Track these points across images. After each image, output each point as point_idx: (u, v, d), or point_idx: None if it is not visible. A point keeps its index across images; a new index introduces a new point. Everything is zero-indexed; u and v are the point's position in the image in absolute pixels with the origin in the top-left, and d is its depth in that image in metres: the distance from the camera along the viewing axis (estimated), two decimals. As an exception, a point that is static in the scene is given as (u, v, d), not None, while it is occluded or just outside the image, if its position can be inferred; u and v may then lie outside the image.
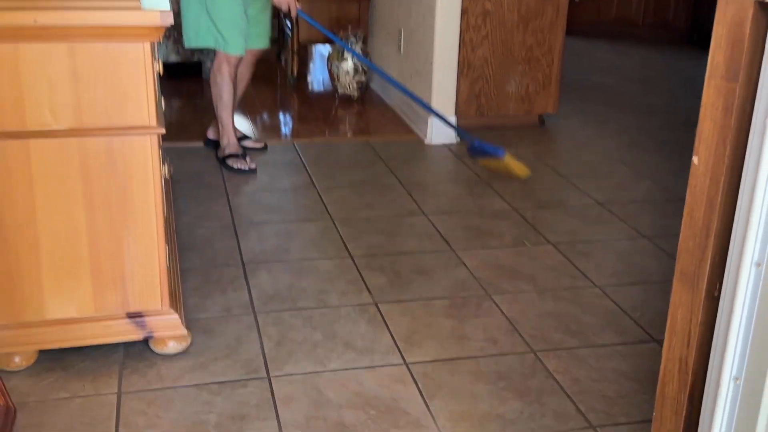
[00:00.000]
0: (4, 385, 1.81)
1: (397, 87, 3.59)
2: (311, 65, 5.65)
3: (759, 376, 0.96)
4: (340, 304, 2.37)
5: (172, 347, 2.07)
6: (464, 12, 3.82)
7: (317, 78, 5.34)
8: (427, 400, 1.94)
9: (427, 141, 3.89)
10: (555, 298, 2.45)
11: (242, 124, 4.02)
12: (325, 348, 2.14)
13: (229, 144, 3.47)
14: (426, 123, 3.87)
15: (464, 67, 3.93)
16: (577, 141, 4.05)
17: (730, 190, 1.00)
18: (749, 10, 0.94)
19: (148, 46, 1.83)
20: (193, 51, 4.84)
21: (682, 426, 1.11)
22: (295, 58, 4.91)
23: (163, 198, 1.97)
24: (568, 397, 1.96)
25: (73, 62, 1.79)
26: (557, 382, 2.02)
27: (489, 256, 2.72)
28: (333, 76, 4.61)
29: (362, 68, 4.50)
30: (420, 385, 1.99)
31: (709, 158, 1.02)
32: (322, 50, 5.75)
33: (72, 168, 1.86)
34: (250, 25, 3.36)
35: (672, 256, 2.26)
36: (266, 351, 2.12)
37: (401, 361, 2.10)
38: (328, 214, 3.03)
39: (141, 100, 1.85)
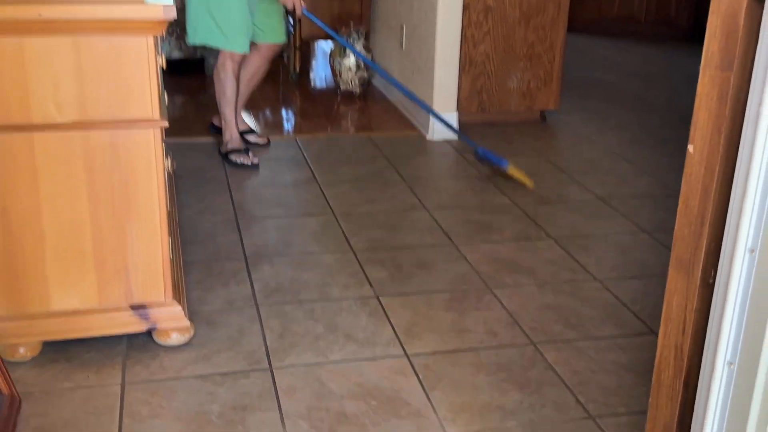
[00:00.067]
0: (9, 375, 1.84)
1: (398, 87, 3.60)
2: (313, 61, 5.67)
3: (752, 361, 0.98)
4: (341, 297, 2.39)
5: (175, 339, 2.09)
6: (466, 8, 3.83)
7: (319, 74, 5.36)
8: (427, 391, 1.95)
9: (428, 137, 3.91)
10: (555, 292, 2.46)
11: (247, 119, 4.03)
12: (326, 340, 2.16)
13: (232, 139, 3.49)
14: (428, 119, 3.89)
15: (466, 63, 3.94)
16: (579, 137, 4.07)
17: (725, 178, 1.02)
18: (743, 0, 0.96)
19: (151, 40, 1.85)
20: (195, 47, 4.86)
21: (677, 412, 1.13)
22: (298, 54, 4.93)
23: (166, 191, 1.99)
24: (568, 388, 1.98)
25: (78, 56, 1.81)
26: (557, 374, 2.04)
27: (490, 250, 2.73)
28: (335, 72, 4.63)
29: (364, 64, 4.52)
30: (421, 377, 2.01)
31: (704, 147, 1.03)
32: (324, 47, 5.77)
33: (76, 161, 1.88)
34: (263, 19, 3.36)
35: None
36: (268, 343, 2.14)
37: (402, 352, 2.12)
38: (330, 208, 3.05)
39: (144, 93, 1.87)
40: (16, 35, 1.77)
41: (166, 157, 2.09)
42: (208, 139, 3.76)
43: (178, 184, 3.10)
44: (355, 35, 4.43)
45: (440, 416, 1.86)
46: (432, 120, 3.85)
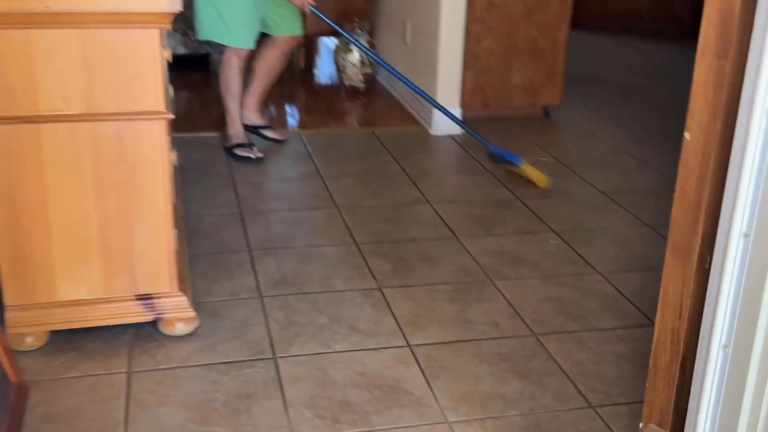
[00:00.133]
0: (17, 362, 1.86)
1: (405, 82, 3.60)
2: (318, 57, 5.68)
3: (746, 344, 1.00)
4: (345, 289, 2.41)
5: (180, 329, 2.11)
6: (469, 4, 3.85)
7: (324, 70, 5.38)
8: (429, 381, 1.97)
9: (432, 132, 3.92)
10: (557, 284, 2.48)
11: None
12: (330, 330, 2.18)
13: (236, 134, 3.51)
14: (431, 114, 3.90)
15: (469, 59, 3.95)
16: (582, 132, 4.08)
17: (721, 164, 1.03)
18: (739, -10, 0.98)
19: (157, 32, 1.87)
20: (200, 43, 4.88)
21: (674, 395, 1.15)
22: (302, 50, 4.95)
23: (171, 182, 2.01)
24: (569, 378, 2.00)
25: (84, 48, 1.83)
26: (558, 364, 2.06)
27: (492, 243, 2.75)
28: (339, 68, 4.65)
29: (369, 60, 4.54)
30: (423, 367, 2.03)
31: (700, 134, 1.05)
32: (328, 43, 5.79)
33: (82, 152, 1.91)
34: (276, 11, 3.36)
35: (672, 242, 2.29)
36: (272, 333, 2.16)
37: (405, 343, 2.14)
38: (334, 202, 3.07)
39: (150, 85, 1.89)
40: (24, 27, 1.79)
41: (172, 150, 2.11)
42: (212, 134, 3.78)
43: (183, 178, 3.12)
44: (359, 31, 4.44)
45: (442, 405, 1.88)
46: (435, 115, 3.87)
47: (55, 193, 1.92)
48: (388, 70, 3.61)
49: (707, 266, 1.07)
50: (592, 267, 2.60)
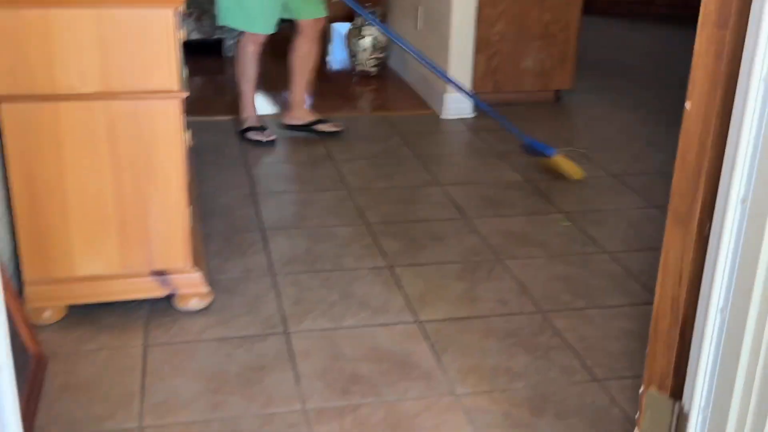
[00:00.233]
0: (36, 334, 1.91)
1: (429, 65, 3.59)
2: (330, 43, 5.71)
3: (743, 307, 1.03)
4: (356, 267, 2.45)
5: (194, 304, 2.16)
6: (481, -12, 3.86)
7: (336, 55, 5.40)
8: (438, 355, 2.01)
9: (442, 116, 3.95)
10: (565, 263, 2.51)
11: (263, 100, 4.09)
12: (341, 307, 2.22)
13: (249, 117, 3.55)
14: (442, 98, 3.93)
15: (481, 43, 3.97)
16: (593, 116, 4.09)
17: (720, 133, 1.06)
18: (739, -39, 1.00)
19: (171, 12, 1.90)
20: (214, 29, 4.91)
21: (673, 360, 1.18)
22: (314, 36, 4.96)
23: (185, 160, 2.05)
24: (575, 353, 2.03)
25: (101, 28, 1.87)
26: (564, 340, 2.09)
27: (501, 224, 2.78)
28: (351, 53, 4.67)
29: (380, 45, 4.56)
30: (432, 341, 2.07)
31: (700, 103, 1.07)
32: (340, 28, 5.81)
33: (99, 130, 1.95)
34: None
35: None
36: (284, 309, 2.20)
37: (414, 319, 2.17)
38: (345, 184, 3.10)
39: (165, 65, 1.93)
40: (41, 7, 1.83)
41: (186, 131, 2.15)
42: (226, 118, 3.82)
43: (197, 161, 3.16)
44: (371, 17, 4.46)
45: (450, 378, 1.92)
46: (446, 100, 3.89)
47: (72, 171, 1.96)
48: (412, 53, 3.59)
49: (706, 233, 1.09)
50: (601, 247, 2.62)
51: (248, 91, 3.52)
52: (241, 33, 3.43)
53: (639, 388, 1.85)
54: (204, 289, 2.16)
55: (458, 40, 3.88)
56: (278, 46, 3.79)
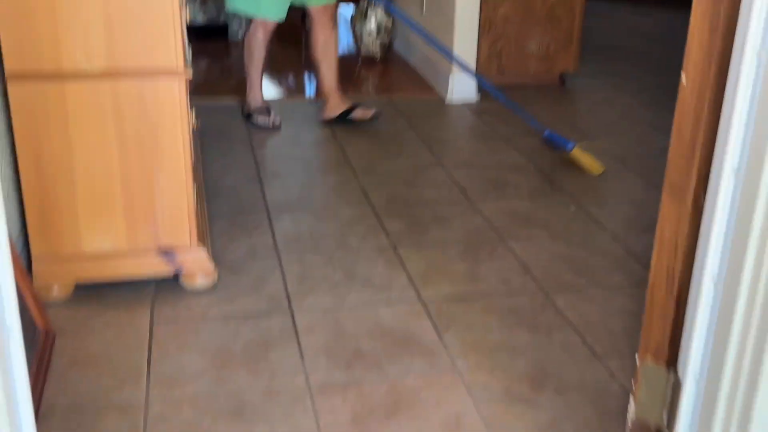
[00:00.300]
0: (44, 310, 1.95)
1: (445, 54, 3.59)
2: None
3: (735, 276, 1.05)
4: (359, 247, 2.48)
5: (200, 282, 2.19)
6: (486, -29, 3.86)
7: (341, 39, 5.41)
8: (440, 332, 2.04)
9: (447, 99, 3.96)
10: (567, 243, 2.53)
11: (269, 85, 4.11)
12: (344, 285, 2.25)
13: (255, 100, 3.57)
14: (447, 82, 3.94)
15: (485, 26, 3.98)
16: (597, 99, 4.10)
17: (715, 105, 1.08)
18: (735, -65, 1.01)
19: (176, -9, 1.92)
20: (219, 13, 4.93)
21: (669, 329, 1.20)
22: (320, 19, 4.97)
23: (191, 139, 2.08)
24: (576, 331, 2.06)
25: (107, 6, 1.89)
26: (565, 318, 2.11)
27: (505, 205, 2.80)
28: (356, 37, 4.68)
29: (385, 29, 4.57)
30: (434, 319, 2.10)
31: (696, 76, 1.09)
32: (345, 12, 5.81)
33: (105, 109, 1.97)
34: None
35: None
36: (289, 287, 2.23)
37: (417, 297, 2.20)
38: (350, 166, 3.12)
39: (170, 43, 1.95)
40: (49, -13, 1.85)
41: (191, 110, 2.18)
42: (231, 101, 3.84)
43: (203, 142, 3.19)
44: (377, 2, 4.47)
45: (451, 355, 1.95)
46: (451, 83, 3.90)
47: (79, 149, 1.99)
48: (419, 33, 3.58)
49: (701, 205, 1.11)
50: (603, 227, 2.64)
51: (255, 75, 3.54)
52: (251, 19, 3.43)
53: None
54: (209, 266, 2.19)
55: (462, 22, 3.89)
56: (285, 31, 3.80)
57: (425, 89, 4.17)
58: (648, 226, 2.65)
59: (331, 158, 3.22)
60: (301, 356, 1.93)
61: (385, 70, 4.59)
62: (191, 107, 2.17)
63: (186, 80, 2.01)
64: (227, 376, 1.85)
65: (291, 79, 4.46)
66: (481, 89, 3.95)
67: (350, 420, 1.72)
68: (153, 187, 2.06)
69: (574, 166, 3.13)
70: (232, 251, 2.43)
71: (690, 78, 1.10)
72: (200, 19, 5.00)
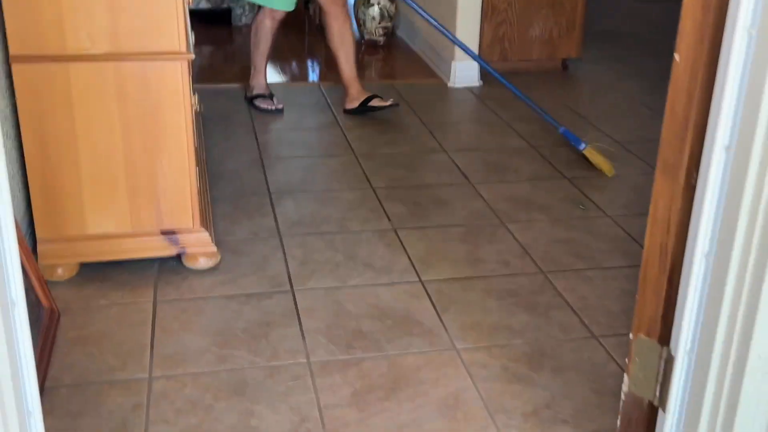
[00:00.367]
0: (49, 290, 1.98)
1: (453, 39, 3.55)
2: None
3: (726, 252, 1.07)
4: (361, 230, 2.50)
5: (203, 263, 2.21)
6: (488, -45, 3.86)
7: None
8: (440, 313, 2.06)
9: (450, 84, 3.97)
10: (567, 227, 2.55)
11: (272, 70, 4.12)
12: (345, 267, 2.27)
13: (258, 85, 3.59)
14: (449, 67, 3.94)
15: (488, 10, 3.98)
16: (599, 84, 4.10)
17: (708, 83, 1.09)
18: None
19: (178, -26, 1.94)
20: (223, -2, 4.93)
21: (662, 305, 1.22)
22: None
23: (193, 121, 2.10)
24: (574, 311, 2.08)
25: (110, -11, 1.91)
26: (564, 299, 2.13)
27: (505, 189, 2.82)
28: (359, 23, 4.69)
29: (388, 14, 4.57)
30: (434, 300, 2.12)
31: (688, 54, 1.10)
32: (349, -1, 5.81)
33: (109, 91, 1.99)
34: None
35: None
36: (290, 269, 2.26)
37: (417, 279, 2.22)
38: (352, 150, 3.14)
39: (173, 26, 1.97)
40: (52, -31, 1.87)
41: (193, 94, 2.19)
42: (234, 86, 3.86)
43: (205, 126, 3.21)
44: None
45: (451, 334, 1.97)
46: (454, 68, 3.91)
47: (83, 131, 2.01)
48: (427, 18, 3.57)
49: (693, 182, 1.13)
50: (603, 211, 2.66)
51: (260, 62, 3.55)
52: (260, 7, 3.44)
53: (635, 344, 1.91)
54: (212, 248, 2.21)
55: (465, 7, 3.89)
56: (289, 17, 3.80)
57: (428, 75, 4.17)
58: (648, 210, 2.67)
59: (333, 142, 3.24)
60: (302, 336, 1.95)
61: (388, 56, 4.59)
62: (194, 91, 2.19)
63: (189, 62, 2.03)
64: (229, 354, 1.88)
65: (294, 64, 4.47)
66: (482, 75, 3.95)
67: (350, 398, 1.74)
68: (156, 169, 2.08)
69: (591, 164, 3.02)
70: (234, 233, 2.46)
71: (683, 56, 1.11)
72: (203, 4, 5.00)
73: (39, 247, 2.11)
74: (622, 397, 1.31)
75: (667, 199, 1.16)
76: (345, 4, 3.49)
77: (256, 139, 3.25)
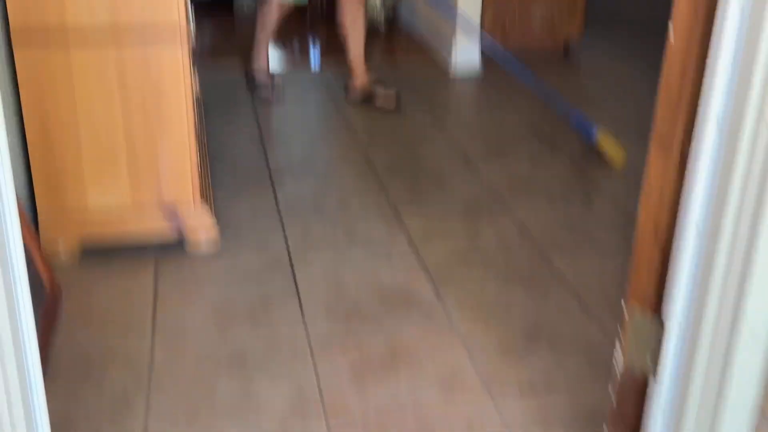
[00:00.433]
0: (51, 268, 1.99)
1: (459, 19, 3.52)
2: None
3: (717, 223, 1.08)
4: (360, 209, 2.52)
5: (203, 240, 2.23)
6: (490, -63, 3.85)
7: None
8: (437, 290, 2.08)
9: (451, 68, 3.97)
10: (565, 206, 2.56)
11: (274, 54, 4.12)
12: (345, 244, 2.29)
13: (259, 70, 3.58)
14: (451, 51, 3.94)
15: (489, -7, 3.97)
16: (601, 67, 4.10)
17: (701, 57, 1.10)
18: None
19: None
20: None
21: (655, 278, 1.24)
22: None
23: (193, 99, 2.11)
24: (571, 289, 2.10)
25: (110, -37, 1.92)
26: (562, 277, 2.15)
27: (505, 169, 2.83)
28: (361, 6, 4.67)
29: (389, 1, 4.57)
30: (432, 277, 2.14)
31: (683, 30, 1.12)
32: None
33: (109, 71, 2.01)
34: None
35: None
36: (290, 246, 2.28)
37: (416, 256, 2.24)
38: (353, 131, 3.15)
39: (173, 1, 1.97)
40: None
41: (194, 75, 2.20)
42: (236, 71, 3.86)
43: (206, 110, 3.22)
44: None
45: (448, 311, 1.99)
46: (455, 52, 3.91)
47: (84, 110, 2.03)
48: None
49: (686, 155, 1.14)
50: (601, 191, 2.67)
51: (263, 47, 3.54)
52: None
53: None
54: (212, 225, 2.23)
55: (467, -10, 3.89)
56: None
57: (429, 59, 4.17)
58: (646, 190, 2.68)
59: (334, 124, 3.25)
60: (302, 312, 1.97)
61: (390, 40, 4.59)
62: (194, 73, 2.20)
63: (188, 39, 2.04)
64: (229, 330, 1.90)
65: (296, 48, 4.47)
66: (484, 58, 3.95)
67: (348, 371, 1.76)
68: (157, 148, 2.10)
69: (599, 152, 2.94)
70: (234, 212, 2.47)
71: (677, 30, 1.12)
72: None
73: (41, 226, 2.12)
74: (615, 367, 1.32)
75: (661, 172, 1.18)
76: None
77: (257, 121, 3.26)
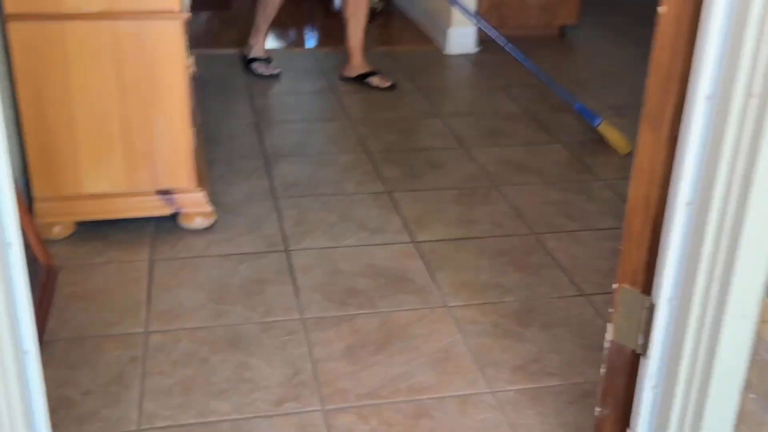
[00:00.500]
0: (47, 247, 2.00)
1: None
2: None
3: (706, 200, 1.09)
4: (355, 192, 2.52)
5: (199, 222, 2.24)
6: None
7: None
8: (432, 272, 2.09)
9: (446, 51, 3.97)
10: (560, 190, 2.57)
11: (271, 35, 4.11)
12: (340, 227, 2.30)
13: (256, 46, 3.58)
14: (446, 34, 3.94)
15: (485, -23, 3.96)
16: (596, 51, 4.10)
17: (691, 35, 1.11)
18: None
19: (172, -68, 1.94)
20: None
21: (645, 255, 1.25)
22: (320, -29, 4.95)
23: (188, 82, 2.11)
24: (564, 270, 2.11)
25: (104, -53, 1.91)
26: (555, 259, 2.16)
27: (500, 153, 2.84)
28: (357, -11, 4.66)
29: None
30: (426, 260, 2.15)
31: (673, 5, 1.12)
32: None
33: (104, 50, 2.00)
34: None
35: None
36: (285, 229, 2.28)
37: (410, 239, 2.25)
38: (347, 114, 3.15)
39: (166, -16, 1.97)
40: (46, -73, 1.87)
41: (189, 56, 2.20)
42: (231, 51, 3.85)
43: (202, 91, 3.22)
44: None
45: (443, 292, 2.00)
46: (450, 35, 3.91)
47: (79, 90, 2.02)
48: None
49: (677, 133, 1.15)
50: (596, 175, 2.68)
51: (262, 25, 3.54)
52: None
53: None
54: (208, 208, 2.24)
55: (463, -26, 3.88)
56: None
57: (424, 41, 4.17)
58: (640, 173, 2.69)
59: (330, 108, 3.25)
60: (297, 293, 1.99)
61: (385, 22, 4.58)
62: (190, 54, 2.20)
63: (183, 22, 2.04)
64: (224, 310, 1.91)
65: (293, 30, 4.46)
66: (481, 42, 3.95)
67: (343, 351, 1.78)
68: (152, 128, 2.10)
69: (605, 142, 2.92)
70: (230, 194, 2.48)
71: (668, 7, 1.13)
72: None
73: (36, 206, 2.13)
74: (606, 345, 1.34)
75: (651, 150, 1.19)
76: None
77: (252, 103, 3.26)
